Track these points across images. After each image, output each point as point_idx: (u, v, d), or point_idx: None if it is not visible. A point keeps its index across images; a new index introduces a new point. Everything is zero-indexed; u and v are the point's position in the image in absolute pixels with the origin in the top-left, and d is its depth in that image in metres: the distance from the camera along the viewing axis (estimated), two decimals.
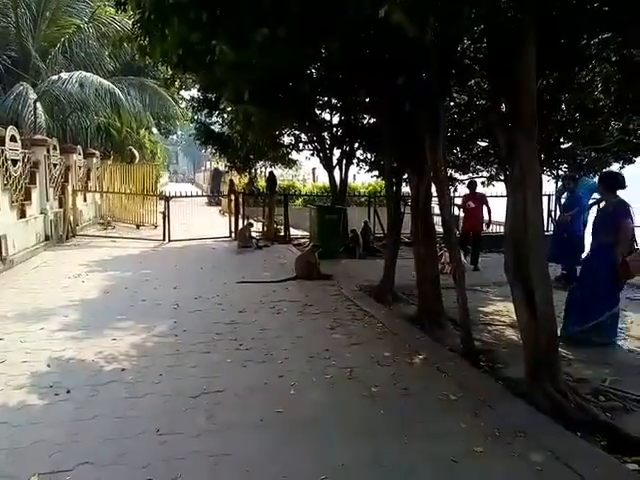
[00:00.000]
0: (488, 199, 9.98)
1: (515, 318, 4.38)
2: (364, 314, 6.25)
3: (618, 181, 5.39)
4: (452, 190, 10.98)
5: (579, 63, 5.25)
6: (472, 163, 10.53)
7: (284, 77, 5.10)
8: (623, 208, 5.25)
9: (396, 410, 3.70)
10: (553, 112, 7.01)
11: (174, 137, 46.26)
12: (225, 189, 25.35)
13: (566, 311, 5.48)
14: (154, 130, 25.01)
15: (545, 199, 11.11)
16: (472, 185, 9.90)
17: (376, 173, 13.63)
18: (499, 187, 11.07)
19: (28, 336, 5.17)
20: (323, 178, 21.22)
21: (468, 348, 4.87)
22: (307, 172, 25.70)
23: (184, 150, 69.28)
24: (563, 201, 9.03)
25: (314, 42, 4.02)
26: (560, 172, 11.01)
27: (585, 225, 8.03)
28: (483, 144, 9.53)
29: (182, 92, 20.51)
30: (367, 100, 6.58)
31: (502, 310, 6.66)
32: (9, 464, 2.89)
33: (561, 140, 8.65)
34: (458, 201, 11.04)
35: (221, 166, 24.26)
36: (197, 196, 19.21)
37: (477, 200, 9.76)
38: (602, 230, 5.36)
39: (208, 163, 45.65)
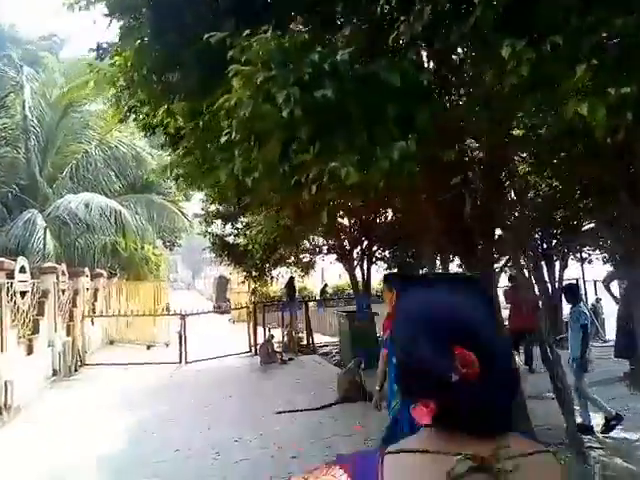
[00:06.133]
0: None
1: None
2: None
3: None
4: None
5: None
6: None
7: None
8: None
9: None
10: None
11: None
12: (231, 297, 24.85)
13: None
14: (158, 243, 24.79)
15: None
16: (515, 277, 9.22)
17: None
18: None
19: None
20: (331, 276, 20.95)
21: None
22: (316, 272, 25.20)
23: (182, 257, 69.31)
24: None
25: None
26: None
27: None
28: None
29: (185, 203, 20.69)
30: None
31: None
32: None
33: None
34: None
35: (226, 272, 23.74)
36: (216, 312, 18.60)
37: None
38: None
39: (208, 269, 45.09)
